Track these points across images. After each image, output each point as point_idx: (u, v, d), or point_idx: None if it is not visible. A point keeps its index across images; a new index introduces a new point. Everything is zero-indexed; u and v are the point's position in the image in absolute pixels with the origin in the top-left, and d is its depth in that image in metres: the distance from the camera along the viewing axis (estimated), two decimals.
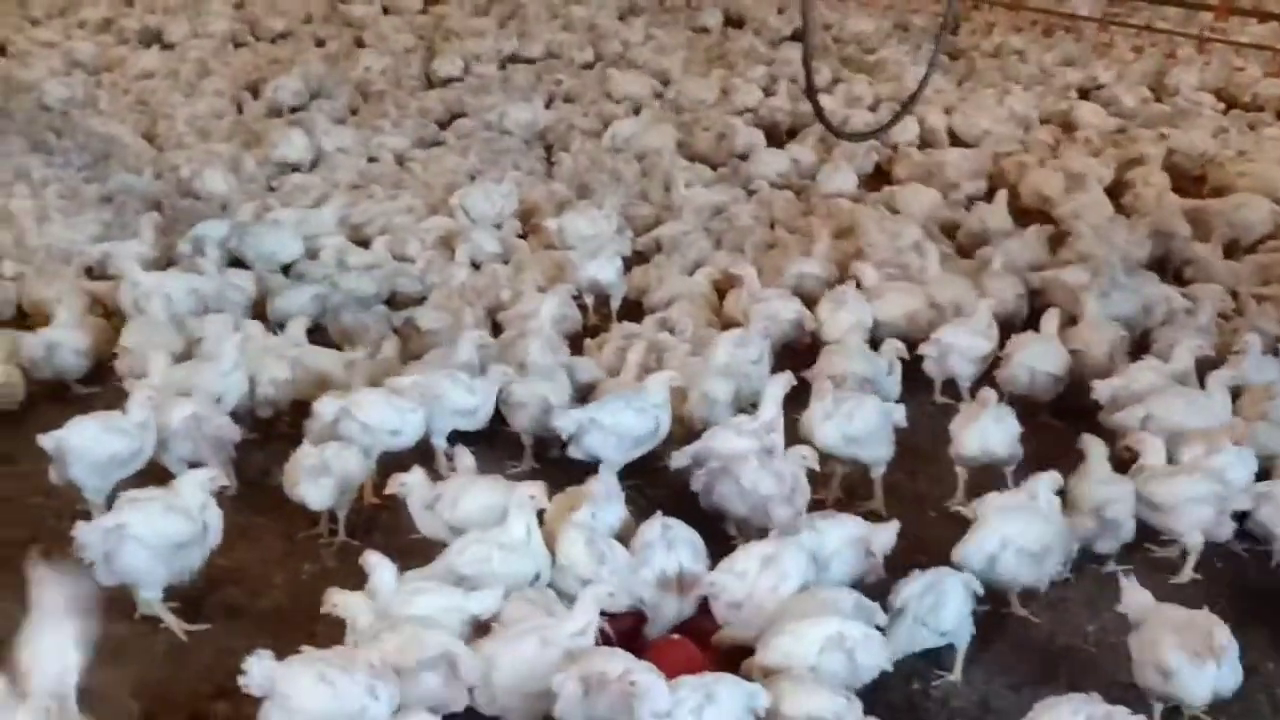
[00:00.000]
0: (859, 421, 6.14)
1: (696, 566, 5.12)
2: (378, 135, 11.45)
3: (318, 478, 5.55)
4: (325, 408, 5.98)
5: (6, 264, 8.14)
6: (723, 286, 8.08)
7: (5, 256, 8.25)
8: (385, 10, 16.93)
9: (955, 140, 12.04)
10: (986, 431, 6.16)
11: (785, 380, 6.19)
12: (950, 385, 7.28)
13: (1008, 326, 7.45)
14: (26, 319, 7.58)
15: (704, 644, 4.90)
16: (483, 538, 5.05)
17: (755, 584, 4.94)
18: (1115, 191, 10.26)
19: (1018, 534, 5.25)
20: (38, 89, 12.43)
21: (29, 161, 10.30)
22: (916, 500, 6.40)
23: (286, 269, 8.54)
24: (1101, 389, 6.62)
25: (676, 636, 5.01)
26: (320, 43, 15.10)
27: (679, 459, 5.77)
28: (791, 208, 9.87)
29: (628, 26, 16.54)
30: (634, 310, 8.13)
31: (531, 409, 6.40)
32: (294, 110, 12.24)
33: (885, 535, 5.30)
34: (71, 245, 8.54)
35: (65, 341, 6.88)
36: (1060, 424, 6.83)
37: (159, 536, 4.95)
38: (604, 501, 5.39)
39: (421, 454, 6.07)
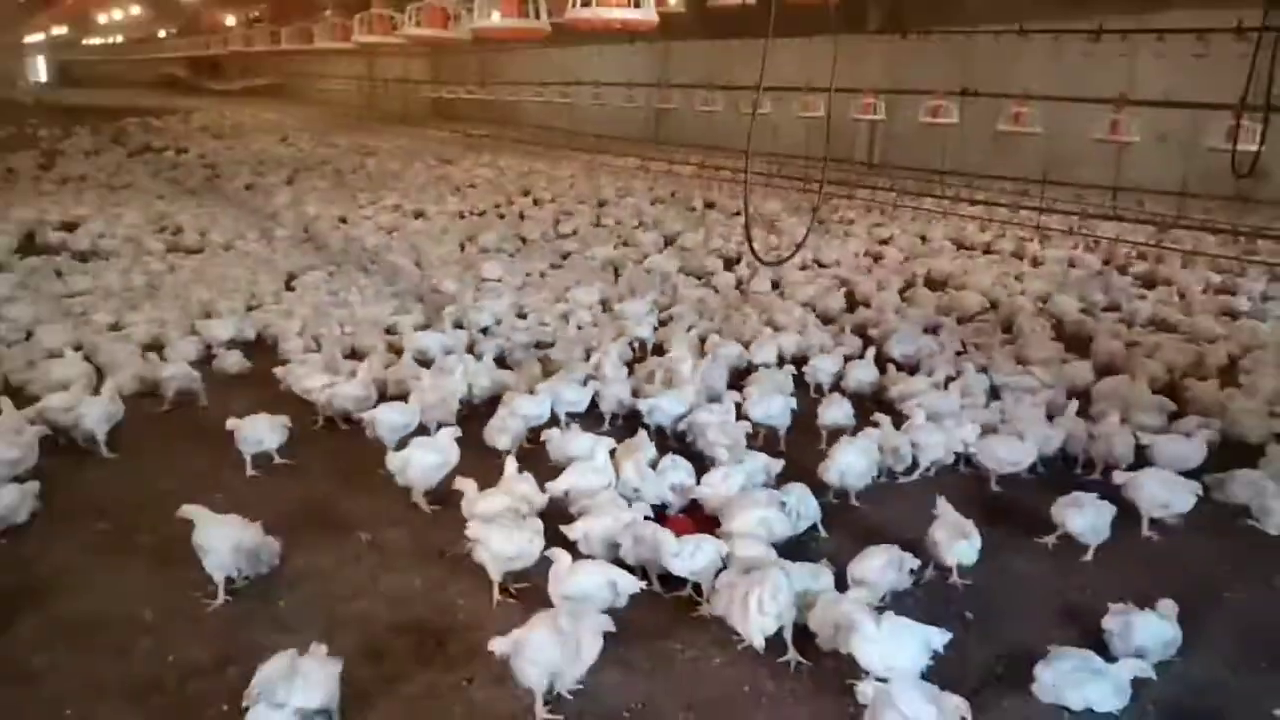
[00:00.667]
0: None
1: (689, 480, 5.90)
2: (530, 262, 12.79)
3: (502, 432, 6.61)
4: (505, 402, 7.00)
5: (344, 325, 9.27)
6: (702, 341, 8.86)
7: (345, 324, 9.30)
8: (535, 202, 18.86)
9: (821, 265, 13.14)
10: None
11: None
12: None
13: None
14: (353, 355, 8.45)
15: (695, 520, 5.56)
16: (582, 464, 5.89)
17: (719, 489, 5.68)
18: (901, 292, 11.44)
19: None
20: (361, 240, 13.99)
21: (358, 276, 11.72)
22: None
23: (484, 329, 9.46)
24: None
25: (681, 515, 5.65)
26: (501, 216, 16.81)
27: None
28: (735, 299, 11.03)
29: (656, 209, 17.82)
30: (659, 351, 8.97)
31: (610, 400, 7.40)
32: (488, 251, 13.61)
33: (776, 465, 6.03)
34: (378, 317, 9.59)
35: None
36: None
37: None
38: (645, 446, 6.16)
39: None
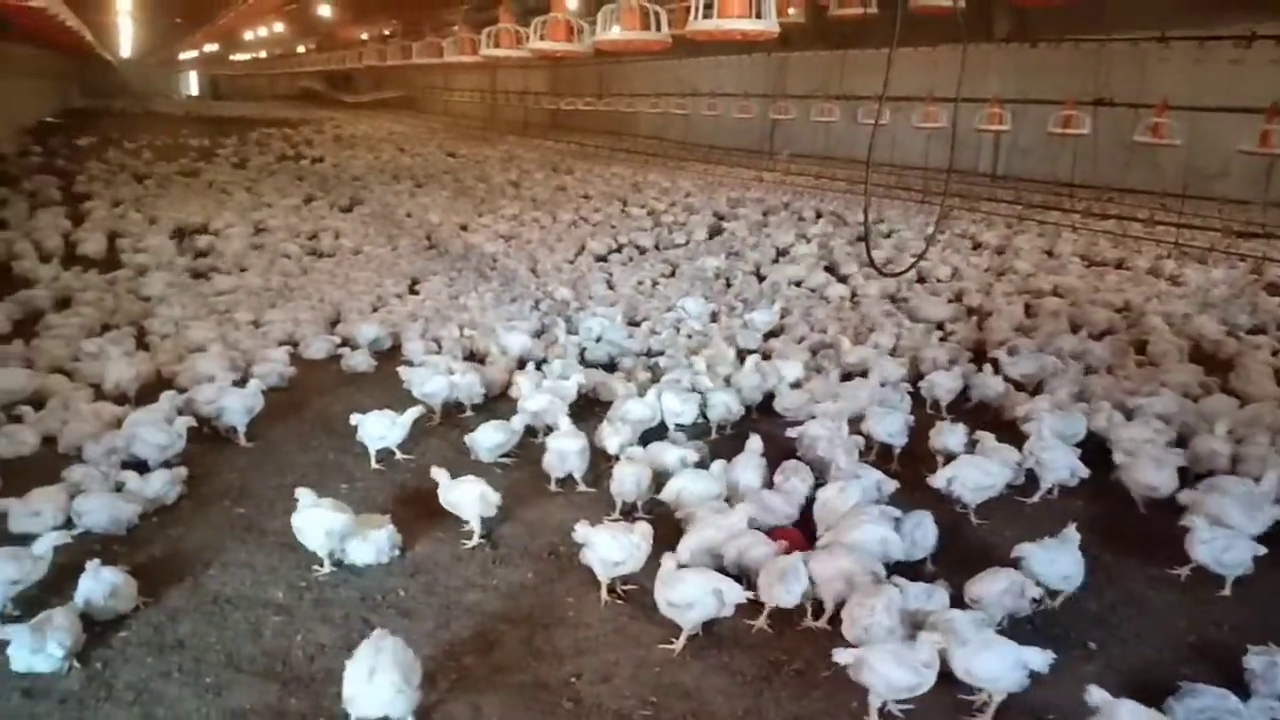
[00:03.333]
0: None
1: (805, 491, 5.90)
2: (640, 272, 12.96)
3: (612, 436, 6.69)
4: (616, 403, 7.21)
5: (465, 329, 9.45)
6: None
7: (466, 326, 9.56)
8: (649, 213, 19.03)
9: (940, 279, 12.66)
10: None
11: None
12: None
13: None
14: (474, 357, 8.86)
15: (803, 534, 5.54)
16: (696, 475, 5.99)
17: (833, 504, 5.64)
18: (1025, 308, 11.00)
19: None
20: (480, 247, 14.42)
21: (476, 280, 12.11)
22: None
23: (598, 338, 9.44)
24: None
25: (789, 528, 5.65)
26: (613, 226, 16.83)
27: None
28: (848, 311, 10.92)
29: (769, 219, 17.95)
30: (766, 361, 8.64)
31: (719, 409, 7.42)
32: (601, 259, 14.14)
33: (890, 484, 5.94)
34: (494, 321, 9.73)
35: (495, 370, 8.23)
36: None
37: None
38: (756, 456, 6.19)
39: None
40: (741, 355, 8.90)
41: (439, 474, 5.77)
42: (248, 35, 43.47)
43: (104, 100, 55.78)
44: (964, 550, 5.66)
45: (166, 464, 6.33)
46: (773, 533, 5.44)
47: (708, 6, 6.03)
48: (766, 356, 9.07)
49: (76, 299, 10.56)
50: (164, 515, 5.98)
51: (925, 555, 5.43)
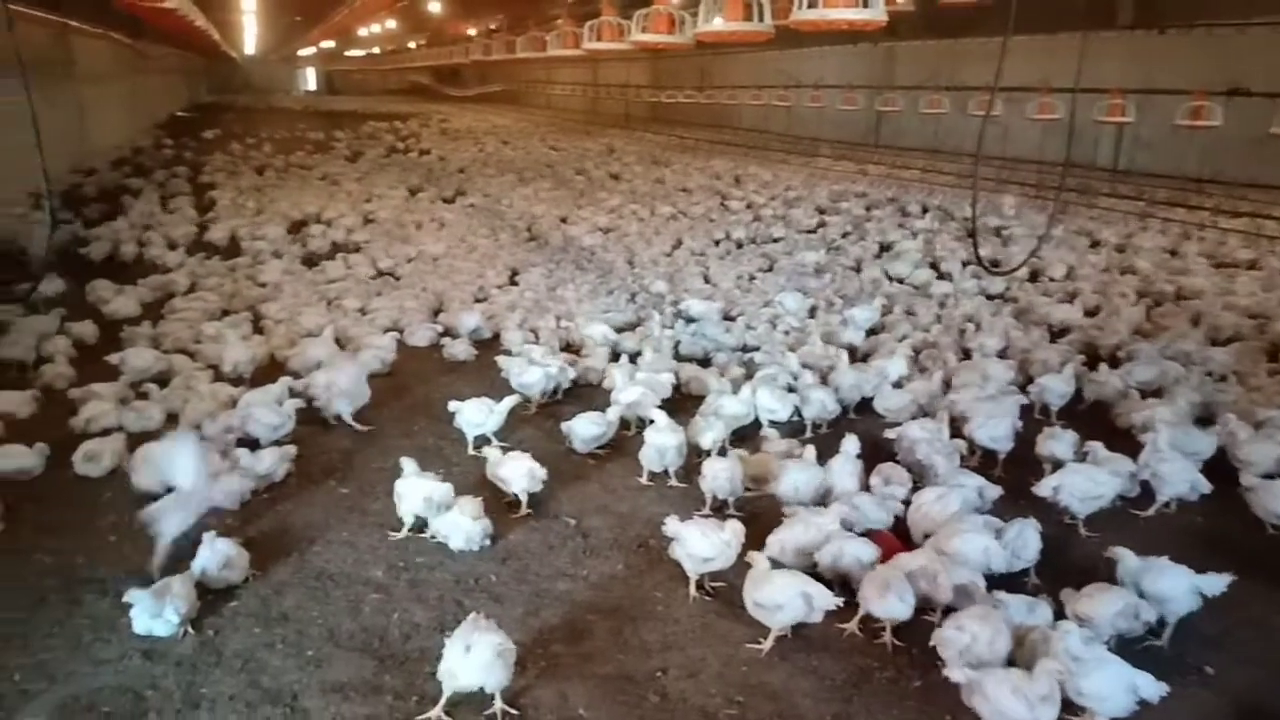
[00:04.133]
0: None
1: (903, 494, 5.79)
2: (738, 266, 12.84)
3: (705, 432, 6.64)
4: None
5: (561, 320, 9.59)
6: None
7: (563, 318, 9.67)
8: (748, 206, 18.84)
9: (1053, 278, 12.06)
10: None
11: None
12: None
13: None
14: (568, 348, 9.00)
15: (900, 538, 5.40)
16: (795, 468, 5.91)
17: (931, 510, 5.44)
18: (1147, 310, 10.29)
19: None
20: (578, 240, 14.65)
21: (574, 272, 12.37)
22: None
23: (692, 331, 9.42)
24: None
25: (887, 532, 5.48)
26: (712, 219, 16.78)
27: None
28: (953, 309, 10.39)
29: (872, 214, 17.49)
30: (867, 359, 8.57)
31: (815, 407, 7.29)
32: (698, 253, 13.83)
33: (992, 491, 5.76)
34: (591, 314, 9.87)
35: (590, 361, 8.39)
36: None
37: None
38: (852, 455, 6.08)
39: None
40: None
41: (489, 451, 6.08)
42: (361, 32, 44.98)
43: (229, 95, 58.78)
44: (1069, 563, 5.42)
45: (277, 443, 6.59)
46: (868, 537, 5.30)
47: None
48: (867, 355, 8.87)
49: (200, 284, 11.14)
50: (273, 492, 6.25)
51: (1027, 567, 5.21)
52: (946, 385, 7.93)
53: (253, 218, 15.88)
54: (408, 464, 5.68)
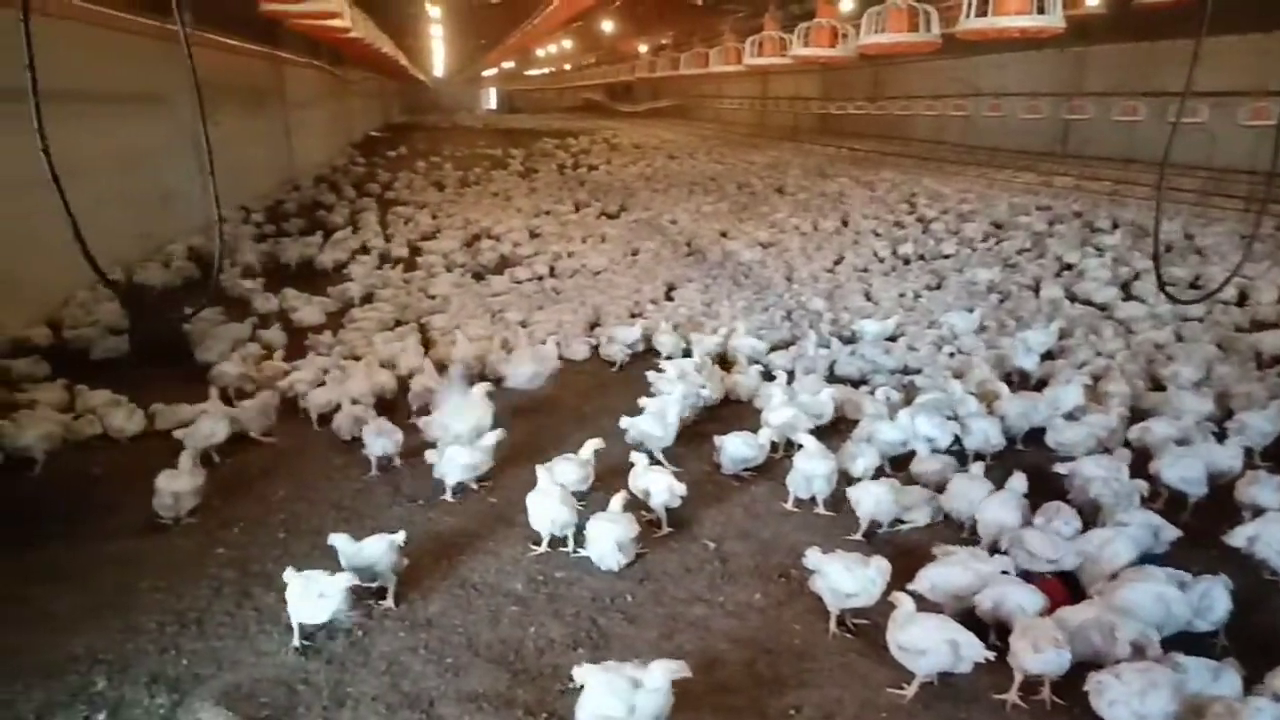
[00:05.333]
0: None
1: (1071, 535, 5.32)
2: (903, 283, 12.33)
3: (856, 458, 6.42)
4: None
5: (714, 336, 9.41)
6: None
7: (716, 334, 9.47)
8: (918, 220, 18.23)
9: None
10: None
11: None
12: None
13: None
14: (720, 363, 8.94)
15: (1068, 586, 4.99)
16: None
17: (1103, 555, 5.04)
18: None
19: None
20: (737, 254, 14.51)
21: (730, 288, 12.26)
22: None
23: (852, 350, 9.15)
24: None
25: (1053, 578, 5.04)
26: (877, 234, 16.22)
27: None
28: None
29: (1054, 229, 16.35)
30: (1041, 387, 8.10)
31: (977, 437, 6.85)
32: (861, 270, 13.50)
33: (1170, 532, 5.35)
34: (744, 330, 9.54)
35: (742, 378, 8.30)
36: None
37: None
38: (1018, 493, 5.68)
39: None
40: (1011, 379, 8.23)
41: (637, 457, 6.01)
42: (539, 52, 46.74)
43: (419, 115, 62.59)
44: (1267, 628, 4.83)
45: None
46: (1033, 582, 4.90)
47: (983, 3, 5.55)
48: (1041, 382, 8.30)
49: (378, 295, 11.83)
50: (426, 499, 6.50)
51: (1214, 628, 4.67)
52: (1130, 419, 7.26)
53: (429, 232, 16.74)
54: (543, 476, 5.72)
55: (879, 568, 4.80)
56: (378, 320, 10.42)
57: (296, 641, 4.70)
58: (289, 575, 4.73)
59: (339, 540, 5.06)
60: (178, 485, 5.90)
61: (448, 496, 6.42)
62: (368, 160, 29.74)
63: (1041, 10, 5.48)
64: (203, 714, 4.20)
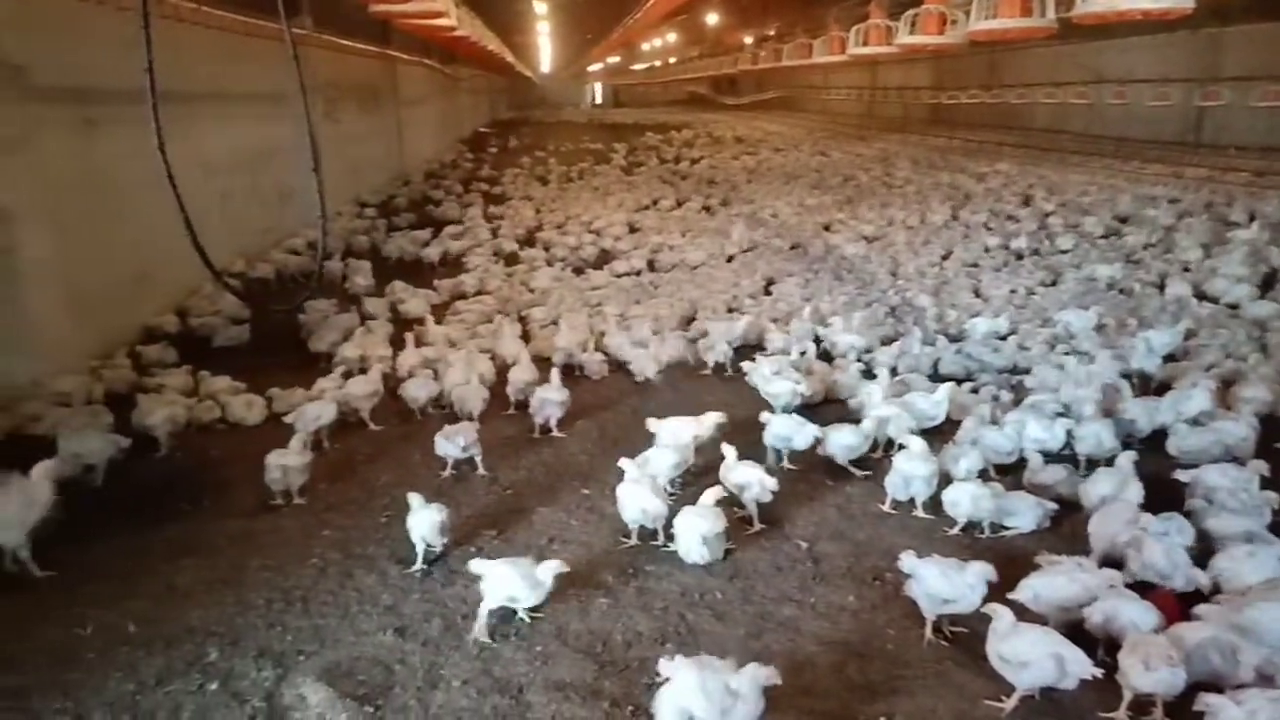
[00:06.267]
0: None
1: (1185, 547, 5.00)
2: (1017, 279, 11.83)
3: (959, 459, 6.17)
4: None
5: (815, 331, 9.37)
6: None
7: (816, 329, 9.48)
8: (1034, 212, 17.61)
9: None
10: None
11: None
12: None
13: None
14: (825, 357, 8.83)
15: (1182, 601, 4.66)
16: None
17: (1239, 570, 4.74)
18: None
19: None
20: (840, 248, 14.24)
21: (831, 283, 12.10)
22: None
23: (958, 349, 8.86)
24: None
25: (1170, 592, 4.79)
26: (989, 227, 15.67)
27: None
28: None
29: (1182, 223, 15.49)
30: (1163, 390, 7.61)
31: (1089, 441, 6.51)
32: (971, 264, 13.03)
33: None
34: (845, 326, 9.38)
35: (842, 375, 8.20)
36: None
37: None
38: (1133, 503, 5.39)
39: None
40: (1132, 382, 7.80)
41: (727, 449, 5.93)
42: (644, 46, 46.88)
43: (525, 111, 63.77)
44: None
45: None
46: (1148, 596, 4.64)
47: None
48: (1164, 385, 7.83)
49: (482, 289, 12.13)
50: (520, 488, 6.63)
51: None
52: (1264, 425, 6.78)
53: (533, 227, 17.03)
54: (629, 468, 5.72)
55: (978, 573, 4.62)
56: (479, 312, 10.66)
57: (484, 635, 4.78)
58: (482, 564, 4.85)
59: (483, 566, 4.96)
60: (287, 461, 6.20)
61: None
62: (475, 155, 30.49)
63: None
64: (304, 689, 4.38)
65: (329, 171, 17.11)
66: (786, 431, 6.60)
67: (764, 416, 6.76)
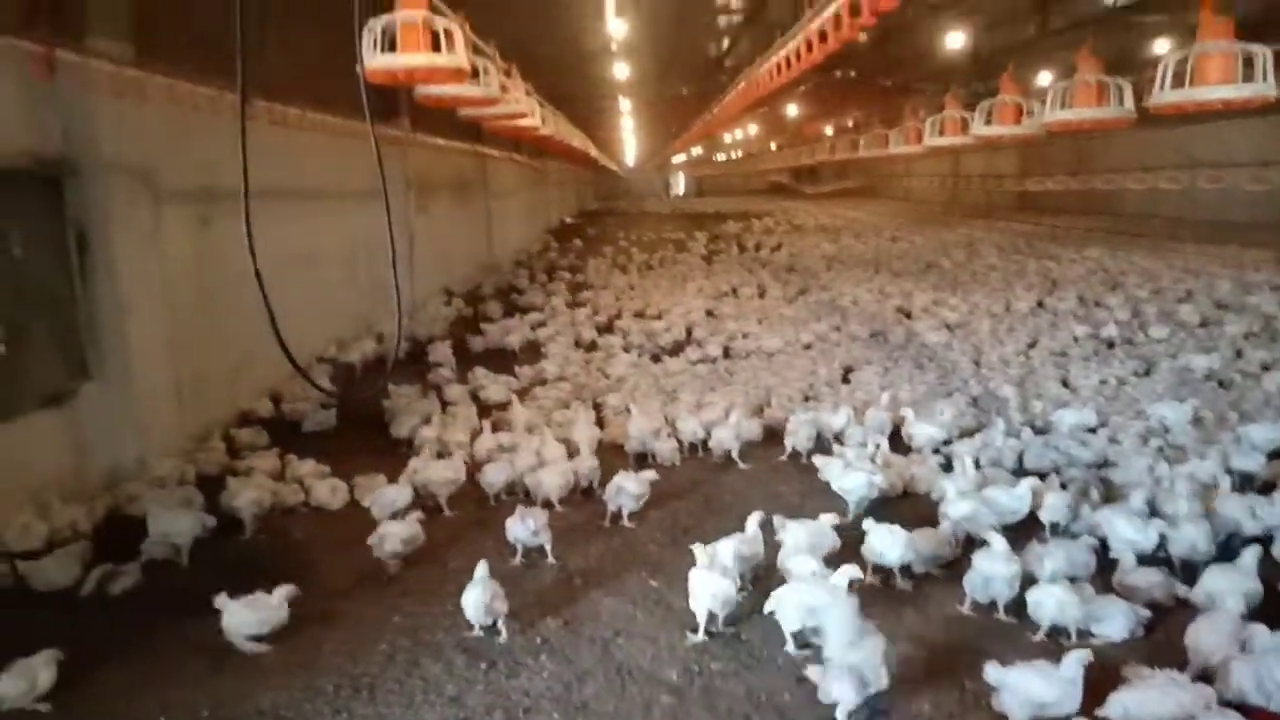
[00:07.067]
0: None
1: None
2: (1106, 369, 11.43)
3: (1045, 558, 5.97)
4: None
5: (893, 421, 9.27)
6: None
7: (894, 419, 9.25)
8: (1126, 299, 17.33)
9: None
10: None
11: None
12: None
13: None
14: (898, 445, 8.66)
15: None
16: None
17: None
18: None
19: None
20: (921, 336, 13.97)
21: (912, 371, 11.89)
22: None
23: (1039, 430, 8.89)
24: None
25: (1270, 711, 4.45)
26: (1076, 315, 15.57)
27: None
28: None
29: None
30: (1268, 489, 7.23)
31: (1182, 544, 6.20)
32: (1058, 354, 12.49)
33: None
34: (924, 416, 9.11)
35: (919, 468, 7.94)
36: None
37: None
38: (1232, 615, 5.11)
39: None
40: (1233, 481, 7.39)
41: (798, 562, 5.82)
42: (725, 138, 47.94)
43: (610, 202, 65.64)
44: None
45: None
46: (1249, 715, 4.30)
47: (1181, 74, 5.19)
48: (1269, 485, 7.39)
49: (563, 374, 12.34)
50: (588, 577, 6.58)
51: None
52: None
53: (613, 314, 17.30)
54: (700, 554, 5.63)
55: (1076, 663, 4.46)
56: (555, 398, 10.81)
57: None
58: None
59: None
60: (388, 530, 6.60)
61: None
62: (561, 245, 31.34)
63: (1249, 78, 5.04)
64: None
65: (421, 260, 18.06)
66: (881, 546, 6.20)
67: (867, 524, 6.40)
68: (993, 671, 4.56)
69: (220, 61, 5.40)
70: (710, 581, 5.51)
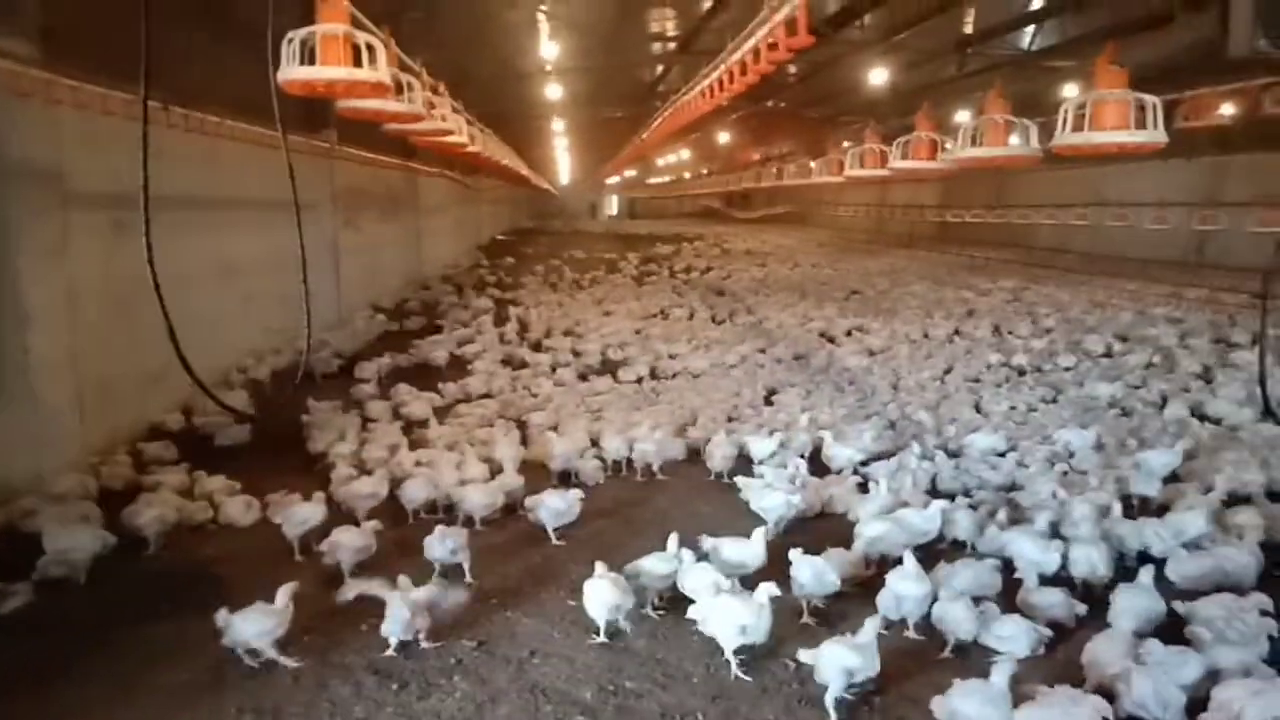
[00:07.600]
0: None
1: None
2: (1018, 396, 11.79)
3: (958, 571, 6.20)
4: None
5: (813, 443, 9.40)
6: None
7: (813, 441, 9.41)
8: (1036, 329, 17.97)
9: None
10: None
11: None
12: None
13: None
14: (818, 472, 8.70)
15: None
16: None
17: None
18: None
19: None
20: (842, 360, 14.14)
21: (833, 394, 11.88)
22: None
23: (952, 454, 9.13)
24: None
25: None
26: (991, 343, 15.96)
27: None
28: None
29: (1183, 344, 15.82)
30: (1162, 512, 7.46)
31: (1082, 564, 6.39)
32: (972, 380, 12.96)
33: None
34: (841, 439, 9.27)
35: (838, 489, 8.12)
36: None
37: None
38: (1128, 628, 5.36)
39: None
40: (1132, 503, 7.72)
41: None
42: (659, 161, 48.39)
43: (543, 221, 65.54)
44: None
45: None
46: None
47: (1080, 118, 5.47)
48: (1163, 508, 7.71)
49: (489, 391, 12.24)
50: (506, 597, 6.48)
51: None
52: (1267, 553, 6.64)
53: (541, 333, 17.24)
54: (599, 565, 5.85)
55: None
56: (479, 416, 10.71)
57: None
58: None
59: None
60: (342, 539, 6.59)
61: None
62: (492, 262, 31.14)
63: (1142, 125, 5.33)
64: None
65: (348, 274, 17.73)
66: (803, 579, 6.10)
67: (793, 555, 6.22)
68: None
69: (136, 66, 5.25)
70: (604, 588, 5.67)
